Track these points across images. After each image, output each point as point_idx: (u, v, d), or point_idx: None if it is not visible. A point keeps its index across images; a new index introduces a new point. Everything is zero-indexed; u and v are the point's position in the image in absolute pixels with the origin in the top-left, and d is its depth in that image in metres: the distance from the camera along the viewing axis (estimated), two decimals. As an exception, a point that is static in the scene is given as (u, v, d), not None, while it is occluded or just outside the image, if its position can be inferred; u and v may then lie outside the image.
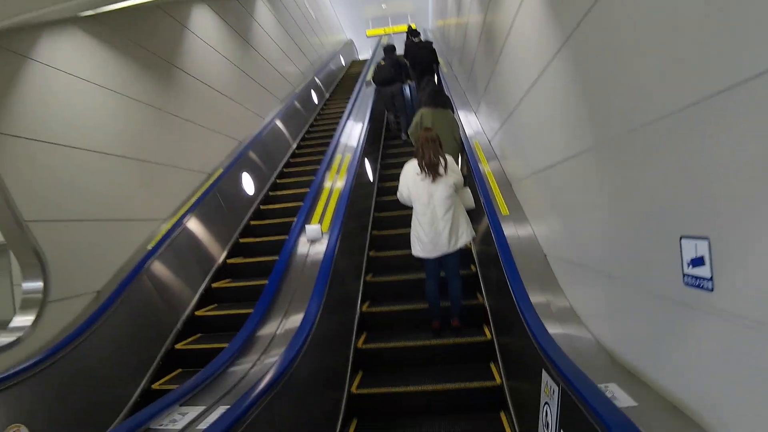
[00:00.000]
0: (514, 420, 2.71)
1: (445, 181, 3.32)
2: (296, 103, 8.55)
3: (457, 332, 3.59)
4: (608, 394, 1.50)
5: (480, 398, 3.07)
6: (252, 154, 6.27)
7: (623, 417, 1.34)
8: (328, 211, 3.89)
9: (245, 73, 7.17)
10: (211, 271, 4.71)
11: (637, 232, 1.64)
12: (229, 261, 4.95)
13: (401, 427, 2.94)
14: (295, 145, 7.70)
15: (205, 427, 1.64)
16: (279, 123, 7.45)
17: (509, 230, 3.19)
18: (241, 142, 6.28)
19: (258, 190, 6.11)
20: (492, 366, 3.32)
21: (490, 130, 4.78)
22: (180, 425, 1.74)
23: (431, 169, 3.32)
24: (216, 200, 5.11)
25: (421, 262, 3.58)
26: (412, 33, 8.01)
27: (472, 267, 4.36)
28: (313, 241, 3.50)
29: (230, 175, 5.53)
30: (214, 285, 4.57)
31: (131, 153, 4.22)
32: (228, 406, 1.82)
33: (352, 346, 3.56)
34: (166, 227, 4.30)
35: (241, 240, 5.27)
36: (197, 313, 4.22)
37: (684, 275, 1.35)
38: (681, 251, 1.36)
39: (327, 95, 10.64)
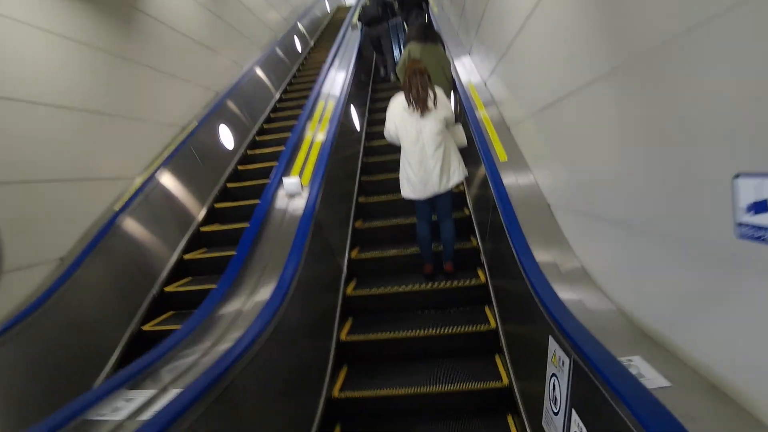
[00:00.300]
0: (509, 363, 2.59)
1: (434, 115, 3.07)
2: (278, 51, 7.98)
3: (450, 276, 3.46)
4: (633, 370, 1.23)
5: (474, 342, 2.96)
6: (231, 106, 5.84)
7: (655, 402, 1.07)
8: (310, 161, 3.55)
9: (221, 18, 6.60)
10: (184, 239, 4.33)
11: (668, 172, 1.31)
12: (203, 229, 4.54)
13: (392, 372, 2.85)
14: (278, 96, 7.23)
15: (147, 418, 1.38)
16: (260, 72, 6.95)
17: (508, 178, 2.86)
18: (218, 92, 5.83)
19: (237, 145, 5.71)
20: (486, 309, 3.20)
21: (485, 70, 4.35)
22: (123, 414, 1.47)
23: (419, 103, 3.06)
24: (191, 156, 4.74)
25: (412, 205, 3.39)
26: (400, -30, 7.40)
27: (466, 210, 4.17)
28: (293, 196, 3.18)
29: (206, 128, 5.12)
30: (186, 257, 4.20)
31: (91, 106, 3.81)
32: (181, 389, 1.56)
33: (341, 294, 3.40)
34: (134, 186, 3.95)
35: (217, 205, 4.86)
36: (167, 289, 3.86)
37: (738, 225, 1.04)
38: (734, 194, 1.04)
39: (312, 43, 10.00)
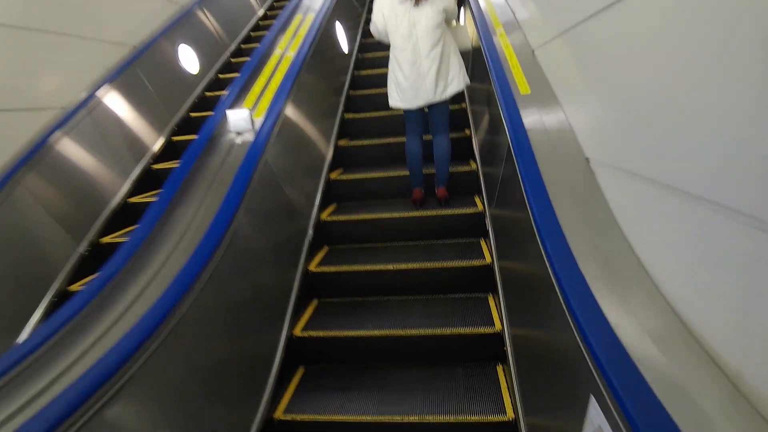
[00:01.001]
0: (502, 303, 2.31)
1: (432, 4, 2.53)
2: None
3: (442, 203, 3.07)
4: None
5: (466, 278, 2.65)
6: (199, 21, 4.95)
7: None
8: (271, 86, 2.76)
9: None
10: (106, 210, 3.35)
11: None
12: (130, 200, 3.51)
13: (367, 310, 2.57)
14: (261, 12, 6.22)
15: None
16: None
17: (530, 117, 2.07)
18: (183, 6, 4.89)
19: (204, 69, 4.88)
20: (482, 242, 2.89)
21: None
22: None
23: None
24: (138, 81, 3.95)
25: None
26: None
27: (467, 131, 3.74)
28: (241, 133, 2.43)
29: (161, 48, 4.29)
30: (102, 240, 3.20)
31: (11, 20, 3.00)
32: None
33: (313, 220, 3.02)
34: (58, 118, 3.20)
35: (154, 166, 3.84)
36: (71, 288, 2.91)
37: None
38: None
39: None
